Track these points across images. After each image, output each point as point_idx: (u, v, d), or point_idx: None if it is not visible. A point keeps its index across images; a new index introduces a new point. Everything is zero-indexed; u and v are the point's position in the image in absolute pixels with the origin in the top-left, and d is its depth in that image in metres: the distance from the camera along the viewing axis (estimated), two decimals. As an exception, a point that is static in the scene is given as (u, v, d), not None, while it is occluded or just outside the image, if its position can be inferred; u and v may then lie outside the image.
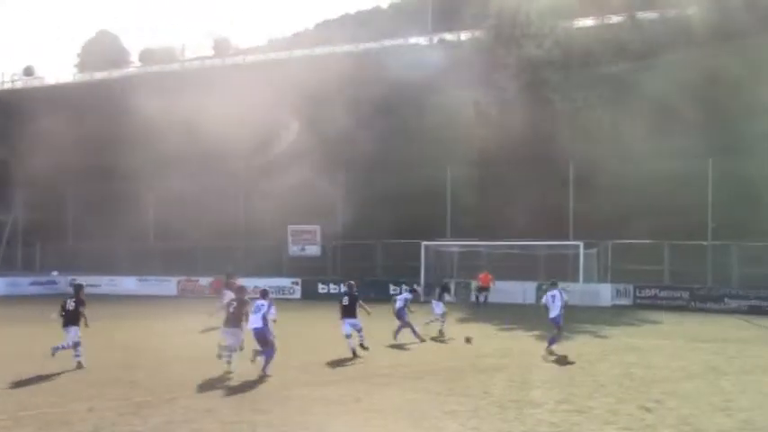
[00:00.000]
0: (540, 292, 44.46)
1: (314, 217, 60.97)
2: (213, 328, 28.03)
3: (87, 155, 70.00)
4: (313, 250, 62.26)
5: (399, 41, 77.51)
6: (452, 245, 54.51)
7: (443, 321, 32.68)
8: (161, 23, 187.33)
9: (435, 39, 77.43)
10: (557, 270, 46.93)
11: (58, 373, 21.52)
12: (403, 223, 56.09)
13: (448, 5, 76.96)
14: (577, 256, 49.51)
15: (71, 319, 23.20)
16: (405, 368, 23.28)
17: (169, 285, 60.41)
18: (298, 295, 55.81)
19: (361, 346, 25.89)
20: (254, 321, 21.84)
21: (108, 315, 36.89)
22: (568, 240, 51.60)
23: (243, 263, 55.82)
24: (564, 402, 18.16)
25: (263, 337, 21.77)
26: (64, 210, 72.46)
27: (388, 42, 77.95)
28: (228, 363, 21.79)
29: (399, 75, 63.95)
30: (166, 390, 19.37)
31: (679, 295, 46.72)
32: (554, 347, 26.64)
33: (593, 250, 50.67)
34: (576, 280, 48.89)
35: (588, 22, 68.82)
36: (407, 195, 57.27)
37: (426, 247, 52.87)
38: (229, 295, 27.15)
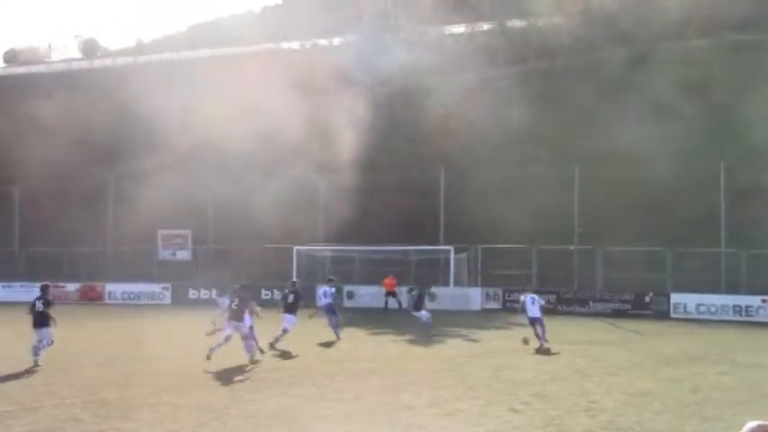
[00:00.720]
0: (410, 296, 44.91)
1: (185, 221, 60.15)
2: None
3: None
4: (184, 255, 61.43)
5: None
6: (325, 249, 54.49)
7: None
8: (27, 24, 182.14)
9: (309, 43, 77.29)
10: (428, 274, 47.50)
11: None
12: (275, 228, 55.77)
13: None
14: (448, 260, 50.11)
15: (41, 320, 23.97)
16: (277, 373, 23.18)
17: (35, 292, 58.26)
18: (168, 301, 54.91)
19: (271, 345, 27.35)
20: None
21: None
22: (439, 245, 52.18)
23: (111, 268, 54.72)
24: (434, 405, 18.35)
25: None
26: None
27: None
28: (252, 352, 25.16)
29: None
30: (33, 399, 18.84)
31: (546, 299, 47.57)
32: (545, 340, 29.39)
33: (464, 255, 51.34)
34: (446, 284, 49.48)
35: (460, 28, 69.80)
36: (280, 200, 56.98)
37: (298, 251, 52.73)
38: (225, 303, 29.17)
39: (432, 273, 49.18)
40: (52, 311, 24.37)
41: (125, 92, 64.00)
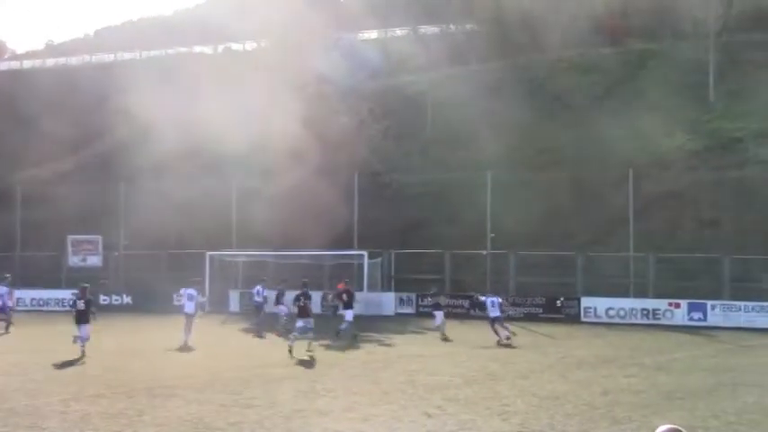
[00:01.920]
0: (325, 301, 44.98)
1: (96, 226, 59.14)
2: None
3: None
4: (94, 261, 60.35)
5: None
6: (238, 255, 54.08)
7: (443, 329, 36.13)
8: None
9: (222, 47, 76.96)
10: (342, 279, 47.49)
11: None
12: (188, 233, 55.22)
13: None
14: (362, 265, 50.17)
15: (81, 317, 27.52)
16: (189, 379, 22.96)
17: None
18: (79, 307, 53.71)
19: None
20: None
21: None
22: (353, 250, 52.20)
23: (19, 274, 53.49)
24: (349, 410, 18.37)
25: None
26: None
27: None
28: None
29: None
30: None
31: (460, 303, 47.96)
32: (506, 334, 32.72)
33: (377, 260, 51.46)
34: (360, 289, 49.54)
35: (373, 34, 70.06)
36: (194, 205, 56.42)
37: (211, 257, 52.26)
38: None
39: (346, 277, 49.12)
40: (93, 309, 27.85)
41: (32, 96, 62.95)
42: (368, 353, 30.73)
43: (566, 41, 61.57)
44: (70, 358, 26.83)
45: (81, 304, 27.70)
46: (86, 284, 29.27)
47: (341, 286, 48.57)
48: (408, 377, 23.76)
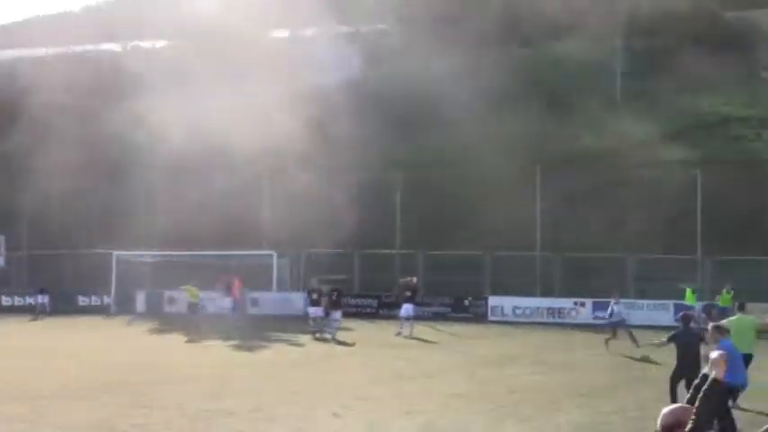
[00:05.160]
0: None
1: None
2: None
3: None
4: (-4, 261, 58.91)
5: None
6: (145, 255, 53.28)
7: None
8: None
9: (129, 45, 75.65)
10: (251, 279, 47.28)
11: None
12: (96, 234, 54.23)
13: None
14: (271, 265, 49.91)
15: None
16: (92, 381, 22.60)
17: None
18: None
19: None
20: None
21: None
22: (262, 250, 51.85)
23: None
24: (256, 411, 18.28)
25: None
26: None
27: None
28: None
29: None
30: None
31: (369, 303, 48.06)
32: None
33: (286, 259, 51.25)
34: (269, 289, 49.31)
35: (284, 33, 69.62)
36: (100, 204, 55.47)
37: (117, 257, 51.46)
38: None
39: (255, 277, 48.81)
40: None
41: None
42: (277, 353, 30.64)
43: (479, 41, 61.90)
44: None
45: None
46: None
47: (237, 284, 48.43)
48: (317, 376, 23.77)
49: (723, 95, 57.50)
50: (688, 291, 39.73)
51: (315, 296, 37.62)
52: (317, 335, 34.97)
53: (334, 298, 35.79)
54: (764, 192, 47.29)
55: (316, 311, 37.01)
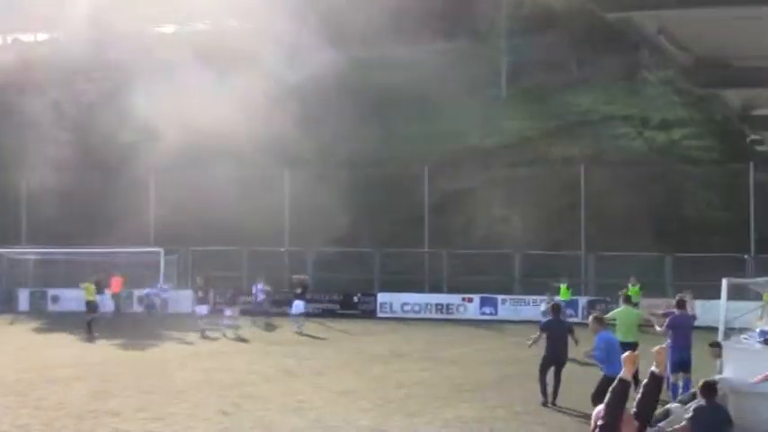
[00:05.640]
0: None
1: None
2: None
3: None
4: None
5: None
6: (28, 252, 52.01)
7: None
8: None
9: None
10: (138, 276, 46.62)
11: None
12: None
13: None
14: (158, 262, 49.21)
15: None
16: (-27, 383, 22.02)
17: None
18: None
19: None
20: None
21: None
22: (150, 247, 51.11)
23: None
24: (143, 410, 18.07)
25: None
26: None
27: None
28: None
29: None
30: None
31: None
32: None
33: (174, 256, 50.58)
34: (155, 286, 48.65)
35: (171, 28, 68.89)
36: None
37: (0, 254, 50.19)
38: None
39: (142, 274, 48.09)
40: None
41: None
42: (163, 351, 30.29)
43: (366, 40, 62.00)
44: None
45: None
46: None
47: (115, 281, 47.70)
48: (204, 375, 23.59)
49: (606, 94, 58.82)
50: (563, 287, 40.63)
51: (201, 294, 37.44)
52: (205, 333, 34.63)
53: (228, 295, 37.54)
54: (646, 188, 48.62)
55: (202, 309, 36.72)
